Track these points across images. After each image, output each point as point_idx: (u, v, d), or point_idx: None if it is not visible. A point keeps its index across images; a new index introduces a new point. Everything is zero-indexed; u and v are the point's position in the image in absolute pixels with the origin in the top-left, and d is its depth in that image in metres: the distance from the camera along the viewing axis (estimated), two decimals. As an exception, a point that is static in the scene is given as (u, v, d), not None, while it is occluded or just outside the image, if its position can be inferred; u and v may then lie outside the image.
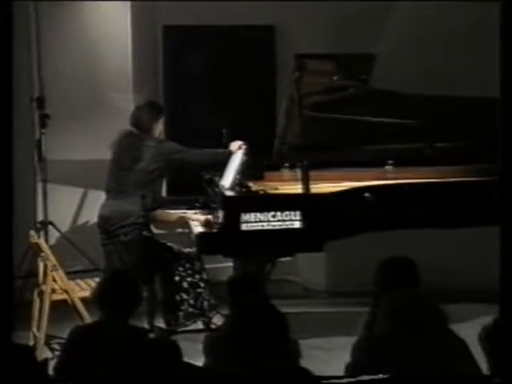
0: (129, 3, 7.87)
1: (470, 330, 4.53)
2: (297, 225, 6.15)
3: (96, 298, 4.35)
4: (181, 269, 6.49)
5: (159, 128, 6.68)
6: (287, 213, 6.15)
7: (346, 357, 3.99)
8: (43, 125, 7.44)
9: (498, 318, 3.56)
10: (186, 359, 3.68)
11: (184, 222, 6.59)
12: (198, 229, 6.38)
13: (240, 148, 6.59)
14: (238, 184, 6.48)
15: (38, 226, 7.40)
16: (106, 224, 6.47)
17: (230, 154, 6.59)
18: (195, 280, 6.52)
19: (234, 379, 3.48)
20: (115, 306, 4.22)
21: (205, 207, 6.68)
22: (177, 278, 6.47)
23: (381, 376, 3.41)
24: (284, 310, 3.74)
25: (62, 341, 5.03)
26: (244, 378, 3.46)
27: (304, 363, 3.73)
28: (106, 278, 4.57)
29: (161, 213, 6.57)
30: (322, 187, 6.48)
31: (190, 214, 6.64)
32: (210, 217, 6.42)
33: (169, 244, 6.59)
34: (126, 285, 4.32)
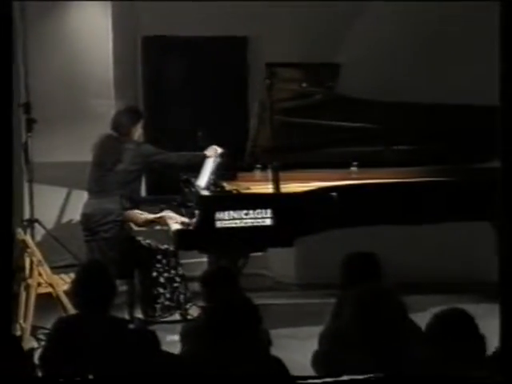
0: (110, 16, 7.84)
1: (428, 319, 4.51)
2: (268, 222, 6.16)
3: (71, 291, 4.29)
4: (158, 265, 6.47)
5: (138, 131, 6.66)
6: (259, 211, 6.15)
7: (313, 345, 3.99)
8: (29, 129, 7.41)
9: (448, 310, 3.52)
10: (163, 348, 3.65)
11: (162, 220, 6.55)
12: (175, 226, 6.37)
13: (216, 153, 6.57)
14: (213, 184, 6.48)
15: (25, 223, 7.36)
16: (88, 221, 6.44)
17: (205, 157, 6.57)
18: (171, 275, 6.50)
19: (209, 368, 3.47)
20: (90, 298, 4.16)
21: (182, 206, 6.66)
22: (154, 274, 6.45)
23: (359, 377, 3.38)
24: (256, 301, 3.73)
25: (47, 331, 4.99)
26: (218, 366, 3.45)
27: (274, 351, 3.73)
28: (78, 272, 4.49)
29: (132, 214, 6.51)
30: (292, 187, 6.48)
31: (166, 211, 6.60)
32: (186, 219, 6.40)
33: (147, 241, 6.56)
34: (98, 276, 4.25)
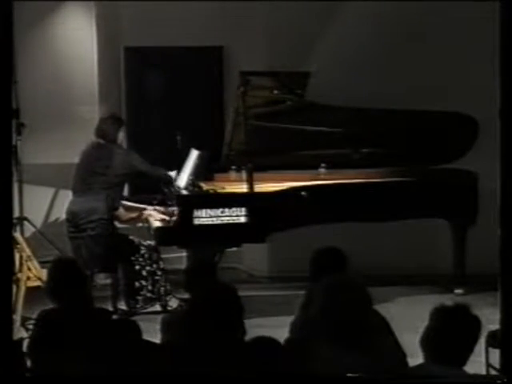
0: (95, 27, 7.83)
1: (391, 308, 4.53)
2: (242, 220, 6.17)
3: (46, 289, 4.19)
4: (140, 259, 6.45)
5: (121, 135, 6.65)
6: (234, 209, 6.16)
7: (284, 333, 3.99)
8: (19, 133, 7.37)
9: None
10: (144, 337, 3.63)
11: (144, 218, 6.55)
12: (156, 223, 6.37)
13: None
14: (191, 184, 6.48)
15: (15, 221, 7.30)
16: (74, 218, 6.39)
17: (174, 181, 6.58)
18: (153, 269, 6.48)
19: (189, 355, 3.45)
20: (64, 292, 4.07)
21: (162, 204, 6.65)
22: (137, 267, 6.43)
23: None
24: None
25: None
26: (198, 354, 3.43)
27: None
28: (49, 270, 4.37)
29: (123, 212, 6.52)
30: (265, 187, 6.50)
31: (149, 210, 6.59)
32: (166, 217, 6.39)
33: (130, 237, 6.54)
34: (68, 272, 4.15)
